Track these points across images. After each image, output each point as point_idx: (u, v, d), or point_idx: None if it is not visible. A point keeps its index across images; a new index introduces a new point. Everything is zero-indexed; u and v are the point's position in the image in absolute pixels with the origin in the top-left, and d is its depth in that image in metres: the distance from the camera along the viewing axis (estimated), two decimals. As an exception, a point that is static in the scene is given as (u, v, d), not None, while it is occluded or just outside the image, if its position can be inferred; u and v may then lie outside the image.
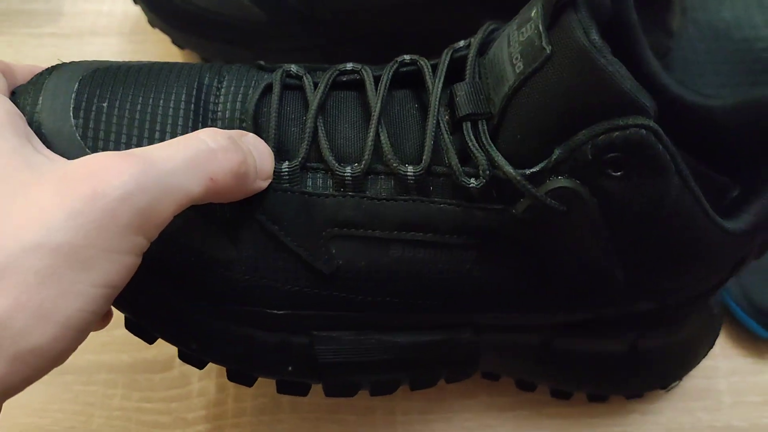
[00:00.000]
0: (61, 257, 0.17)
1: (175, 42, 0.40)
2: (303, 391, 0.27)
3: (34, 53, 0.41)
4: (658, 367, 0.30)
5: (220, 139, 0.21)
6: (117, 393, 0.32)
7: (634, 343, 0.28)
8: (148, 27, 0.40)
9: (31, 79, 0.24)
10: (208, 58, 0.40)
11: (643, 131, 0.20)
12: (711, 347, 0.31)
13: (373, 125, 0.24)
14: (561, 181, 0.21)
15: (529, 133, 0.22)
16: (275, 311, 0.25)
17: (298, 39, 0.37)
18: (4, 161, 0.19)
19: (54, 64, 0.36)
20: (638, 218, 0.22)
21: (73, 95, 0.24)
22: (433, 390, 0.32)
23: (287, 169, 0.23)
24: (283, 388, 0.27)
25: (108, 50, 0.42)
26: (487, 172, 0.22)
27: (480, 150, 0.22)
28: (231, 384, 0.32)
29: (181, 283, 0.24)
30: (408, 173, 0.23)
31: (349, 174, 0.23)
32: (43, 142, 0.22)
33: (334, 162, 0.23)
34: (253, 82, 0.25)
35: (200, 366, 0.27)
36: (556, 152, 0.21)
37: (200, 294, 0.24)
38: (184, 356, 0.27)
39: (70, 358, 0.32)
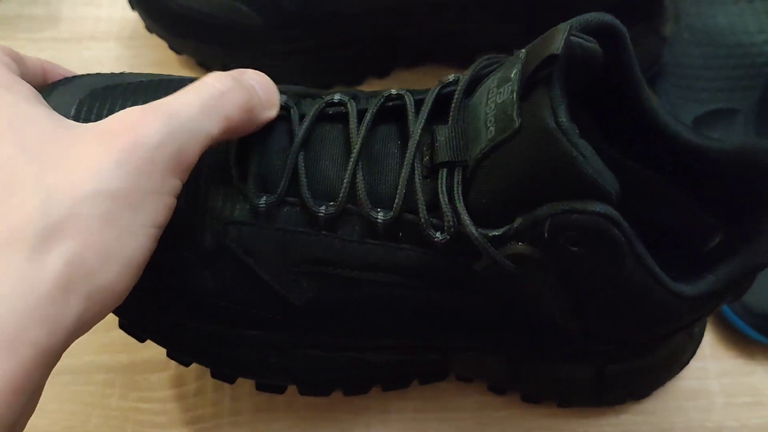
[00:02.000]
0: (117, 201, 0.19)
1: (171, 47, 0.40)
2: (280, 390, 0.28)
3: (33, 58, 0.42)
4: (626, 387, 0.31)
5: (225, 81, 0.23)
6: (114, 393, 0.32)
7: (600, 368, 0.29)
8: (146, 32, 0.40)
9: None
10: (205, 62, 0.40)
11: (600, 219, 0.20)
12: (686, 364, 0.32)
13: (350, 167, 0.24)
14: (520, 248, 0.22)
15: (495, 197, 0.22)
16: (251, 332, 0.26)
17: (293, 42, 0.38)
18: (45, 125, 0.21)
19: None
20: (593, 286, 0.23)
21: (76, 103, 0.25)
22: (427, 389, 0.32)
23: (264, 204, 0.24)
24: (261, 387, 0.28)
25: (106, 55, 0.42)
26: (452, 228, 0.23)
27: (448, 205, 0.23)
28: (227, 383, 0.32)
29: (165, 303, 0.26)
30: (378, 219, 0.24)
31: (323, 213, 0.24)
32: None
33: (310, 200, 0.24)
34: None
35: (186, 364, 0.28)
36: (518, 221, 0.22)
37: (181, 311, 0.26)
38: (172, 355, 0.28)
39: (68, 359, 0.32)
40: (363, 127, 0.25)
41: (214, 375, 0.28)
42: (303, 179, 0.24)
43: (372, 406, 0.32)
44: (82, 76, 0.27)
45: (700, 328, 0.31)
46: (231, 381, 0.28)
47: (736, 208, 0.25)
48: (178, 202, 0.22)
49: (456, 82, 0.25)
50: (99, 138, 0.20)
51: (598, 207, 0.20)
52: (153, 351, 0.33)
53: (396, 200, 0.24)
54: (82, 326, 0.19)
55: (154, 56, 0.42)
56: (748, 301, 0.34)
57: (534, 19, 0.37)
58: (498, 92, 0.22)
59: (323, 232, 0.24)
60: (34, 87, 0.25)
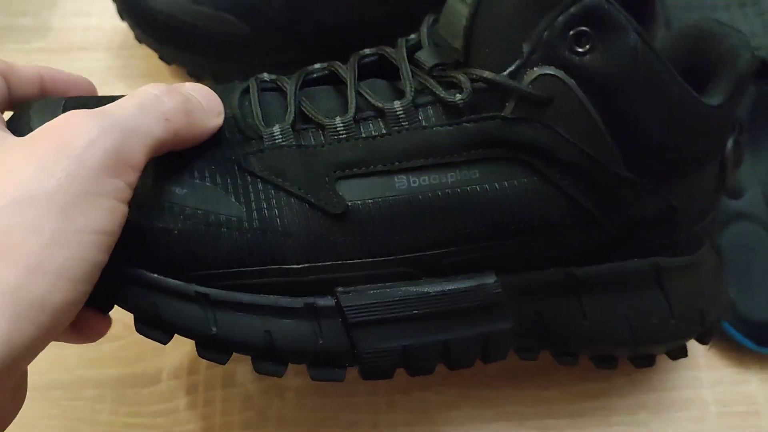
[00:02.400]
0: (40, 208, 0.18)
1: (161, 57, 0.40)
2: (338, 372, 0.26)
3: (23, 69, 0.42)
4: (686, 304, 0.29)
5: (160, 86, 0.23)
6: (104, 408, 0.32)
7: (656, 264, 0.28)
8: (136, 42, 0.40)
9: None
10: (195, 72, 0.40)
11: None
12: (723, 299, 0.31)
13: (351, 85, 0.26)
14: (537, 71, 0.23)
15: (496, 44, 0.24)
16: (293, 266, 0.24)
17: (281, 53, 0.38)
18: None
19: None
20: (616, 89, 0.24)
21: (60, 111, 0.24)
22: (417, 402, 0.32)
23: (279, 130, 0.25)
24: (317, 373, 0.26)
25: (96, 65, 0.42)
26: (470, 85, 0.24)
27: (456, 71, 0.24)
28: (218, 398, 0.32)
29: (191, 258, 0.24)
30: (396, 107, 0.25)
31: (339, 122, 0.25)
32: None
33: (322, 117, 0.25)
34: (232, 88, 0.27)
35: (223, 360, 0.25)
36: (525, 47, 0.23)
37: (214, 264, 0.24)
38: (204, 350, 0.25)
39: (58, 374, 0.32)
40: (351, 66, 0.27)
41: (257, 367, 0.25)
42: (309, 107, 0.26)
43: (362, 421, 0.32)
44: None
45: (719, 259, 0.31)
46: (280, 372, 0.25)
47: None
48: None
49: (418, 35, 0.27)
50: (25, 145, 0.19)
51: None
52: (144, 365, 0.33)
53: (407, 88, 0.25)
54: (16, 351, 0.18)
55: (145, 66, 0.42)
56: (741, 311, 0.34)
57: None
58: None
59: (344, 137, 0.25)
60: (27, 96, 0.25)
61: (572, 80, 0.23)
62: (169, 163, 0.24)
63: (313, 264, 0.25)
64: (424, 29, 0.27)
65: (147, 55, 0.41)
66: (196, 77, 0.40)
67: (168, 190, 0.24)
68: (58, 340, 0.23)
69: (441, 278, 0.26)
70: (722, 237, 0.36)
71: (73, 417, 0.32)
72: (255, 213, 0.24)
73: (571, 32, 0.23)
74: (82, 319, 0.24)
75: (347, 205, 0.24)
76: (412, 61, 0.26)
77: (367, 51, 0.28)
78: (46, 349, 0.33)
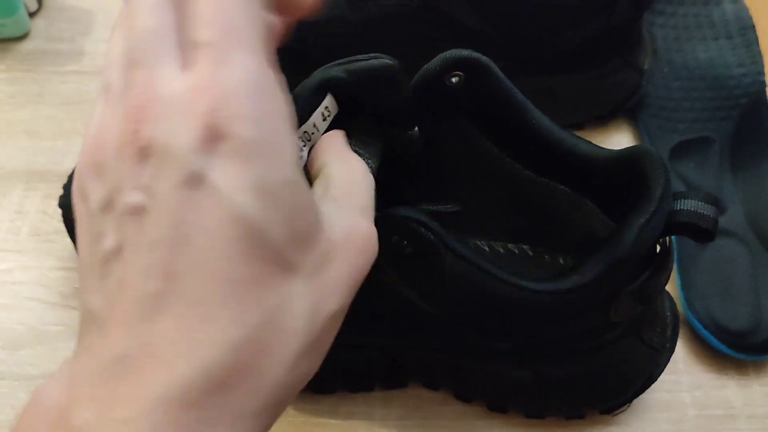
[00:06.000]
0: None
1: (184, 79, 0.43)
2: None
3: (57, 89, 0.45)
4: (574, 395, 0.32)
5: None
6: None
7: (538, 372, 0.30)
8: (161, 65, 0.44)
9: None
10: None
11: (407, 221, 0.24)
12: (650, 378, 0.32)
13: None
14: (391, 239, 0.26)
15: None
16: None
17: (291, 75, 0.40)
18: None
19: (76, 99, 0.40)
20: (431, 287, 0.26)
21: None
22: (410, 398, 0.34)
23: None
24: None
25: (124, 86, 0.45)
26: None
27: None
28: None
29: None
30: None
31: None
32: None
33: None
34: None
35: None
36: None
37: None
38: None
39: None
40: None
41: None
42: None
43: (358, 413, 0.34)
44: None
45: (661, 339, 0.32)
46: None
47: (623, 209, 0.27)
48: None
49: None
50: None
51: (404, 212, 0.24)
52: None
53: None
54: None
55: (168, 88, 0.45)
56: (720, 319, 0.35)
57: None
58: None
59: None
60: None
61: (394, 272, 0.26)
62: None
63: None
64: None
65: (170, 78, 0.44)
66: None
67: None
68: None
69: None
70: (706, 250, 0.38)
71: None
72: None
73: (392, 239, 0.25)
74: None
75: None
76: None
77: None
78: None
